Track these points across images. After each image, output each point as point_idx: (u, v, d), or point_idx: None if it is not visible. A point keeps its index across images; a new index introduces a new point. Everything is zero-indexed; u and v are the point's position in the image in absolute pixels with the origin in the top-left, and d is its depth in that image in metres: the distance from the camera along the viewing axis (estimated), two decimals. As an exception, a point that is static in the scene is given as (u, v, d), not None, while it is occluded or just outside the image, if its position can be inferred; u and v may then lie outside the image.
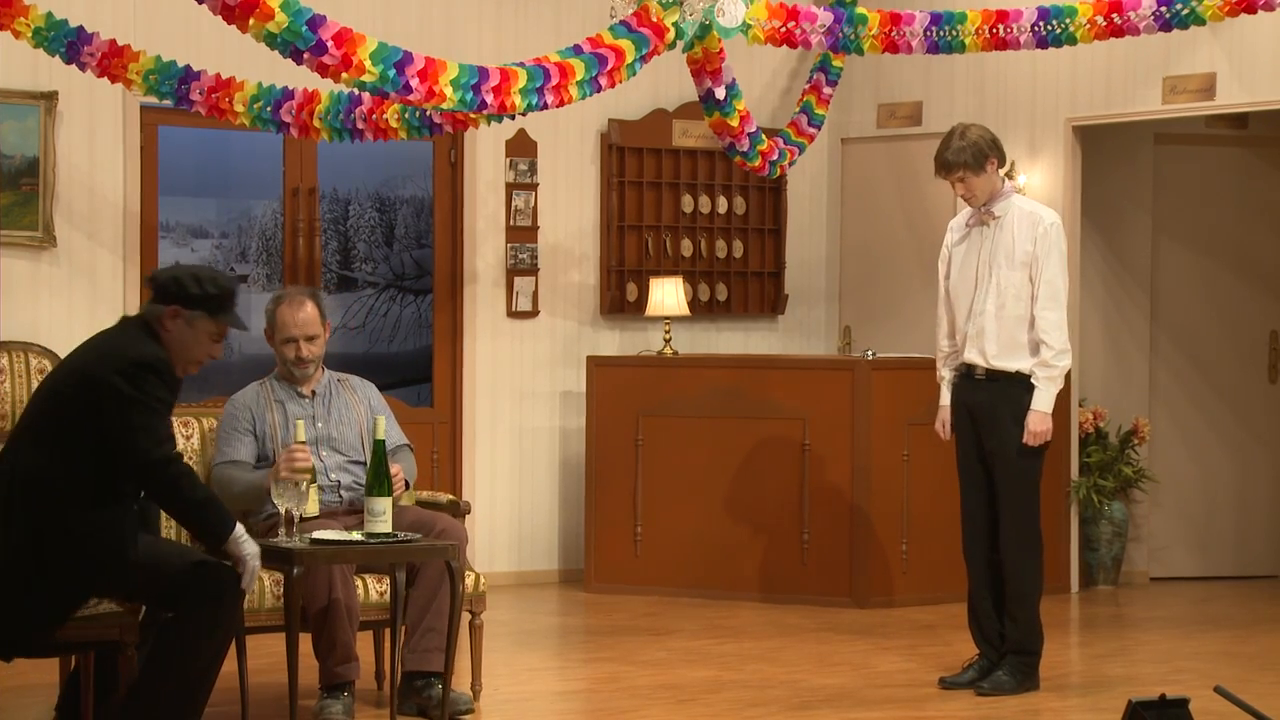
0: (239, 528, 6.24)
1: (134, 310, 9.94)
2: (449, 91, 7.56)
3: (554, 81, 7.90)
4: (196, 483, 6.23)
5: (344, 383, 7.57)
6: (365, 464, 7.32)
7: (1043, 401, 7.86)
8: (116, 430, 6.03)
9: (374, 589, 7.19)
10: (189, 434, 7.43)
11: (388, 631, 7.33)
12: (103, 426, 6.04)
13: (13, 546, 6.02)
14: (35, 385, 9.51)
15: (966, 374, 8.04)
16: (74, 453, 6.05)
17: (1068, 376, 8.50)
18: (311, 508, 6.93)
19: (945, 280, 8.13)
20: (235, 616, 6.34)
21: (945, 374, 8.16)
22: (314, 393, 7.45)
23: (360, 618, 7.13)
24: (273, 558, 6.73)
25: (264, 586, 6.98)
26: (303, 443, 7.06)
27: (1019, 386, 7.88)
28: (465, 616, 7.25)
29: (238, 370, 10.52)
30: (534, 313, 11.17)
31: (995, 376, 7.93)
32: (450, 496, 7.83)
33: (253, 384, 7.52)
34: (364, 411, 7.48)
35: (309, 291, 7.59)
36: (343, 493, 7.34)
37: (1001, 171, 8.03)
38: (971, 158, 7.89)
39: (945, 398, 8.15)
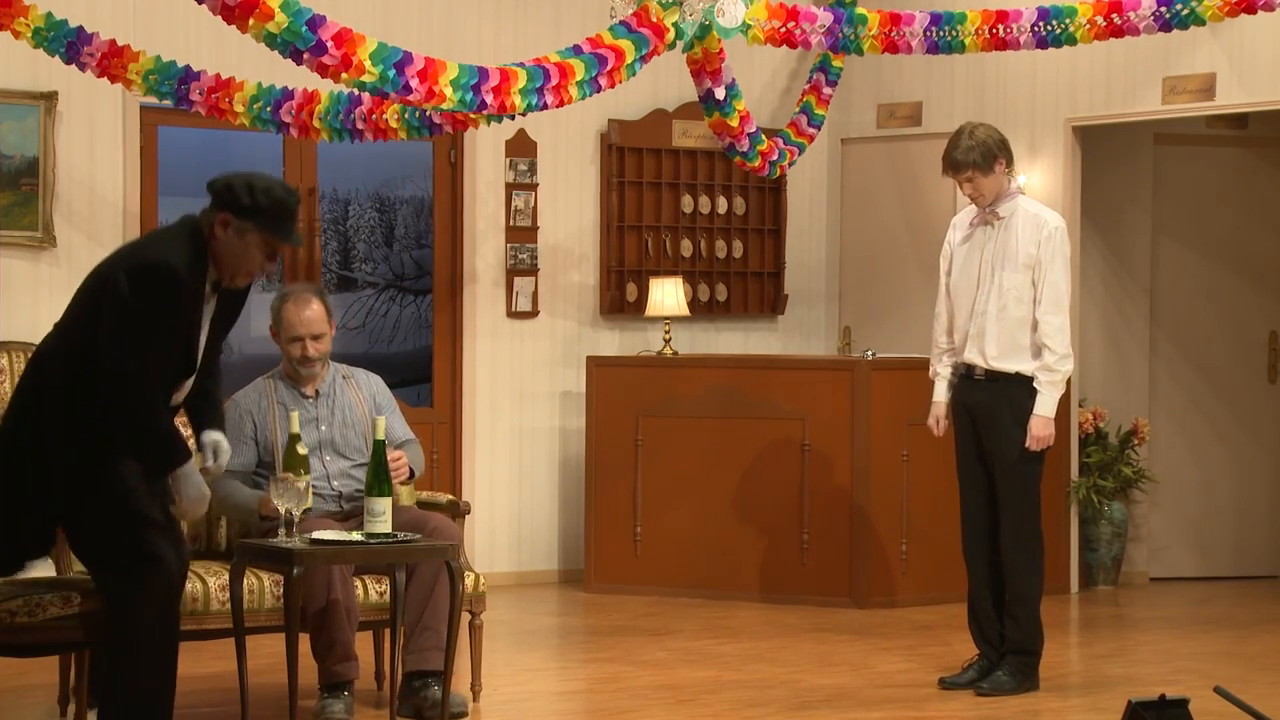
0: (190, 464, 5.92)
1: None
2: (449, 92, 7.56)
3: (554, 82, 7.90)
4: (153, 413, 5.85)
5: (349, 379, 7.51)
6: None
7: (1045, 406, 7.86)
8: (102, 329, 5.78)
9: (373, 589, 7.18)
10: (187, 434, 7.40)
11: (387, 631, 7.32)
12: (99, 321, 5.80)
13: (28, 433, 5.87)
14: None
15: (966, 374, 8.04)
16: (86, 343, 5.82)
17: (1069, 380, 8.49)
18: (308, 501, 6.86)
19: (946, 277, 8.13)
20: (150, 618, 5.92)
21: (939, 370, 8.16)
22: (318, 393, 7.41)
23: (360, 618, 7.13)
24: (273, 558, 6.74)
25: (263, 586, 6.98)
26: (296, 435, 6.96)
27: (1020, 387, 7.88)
28: (465, 617, 7.24)
29: (238, 370, 10.50)
30: (534, 313, 11.17)
31: (995, 377, 7.92)
32: (450, 497, 7.82)
33: (257, 381, 7.47)
34: (368, 410, 7.44)
35: (315, 290, 7.53)
36: (344, 504, 7.30)
37: (1008, 171, 8.03)
38: (980, 157, 7.88)
39: (939, 394, 8.15)
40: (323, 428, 7.35)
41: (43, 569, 6.67)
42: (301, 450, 6.95)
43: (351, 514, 7.28)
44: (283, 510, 6.71)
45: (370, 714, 7.27)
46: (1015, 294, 7.88)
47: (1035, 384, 7.86)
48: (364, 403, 7.45)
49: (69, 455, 5.88)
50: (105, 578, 5.98)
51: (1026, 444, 7.85)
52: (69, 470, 5.88)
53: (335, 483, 7.31)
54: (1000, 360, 7.90)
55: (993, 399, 7.92)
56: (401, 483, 7.25)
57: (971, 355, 7.97)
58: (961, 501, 8.09)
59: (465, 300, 11.01)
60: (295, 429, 6.99)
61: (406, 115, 8.61)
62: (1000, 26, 9.00)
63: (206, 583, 6.93)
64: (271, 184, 5.99)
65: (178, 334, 5.91)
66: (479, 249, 11.03)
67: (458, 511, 7.61)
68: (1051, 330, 7.85)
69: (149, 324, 5.79)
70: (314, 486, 7.08)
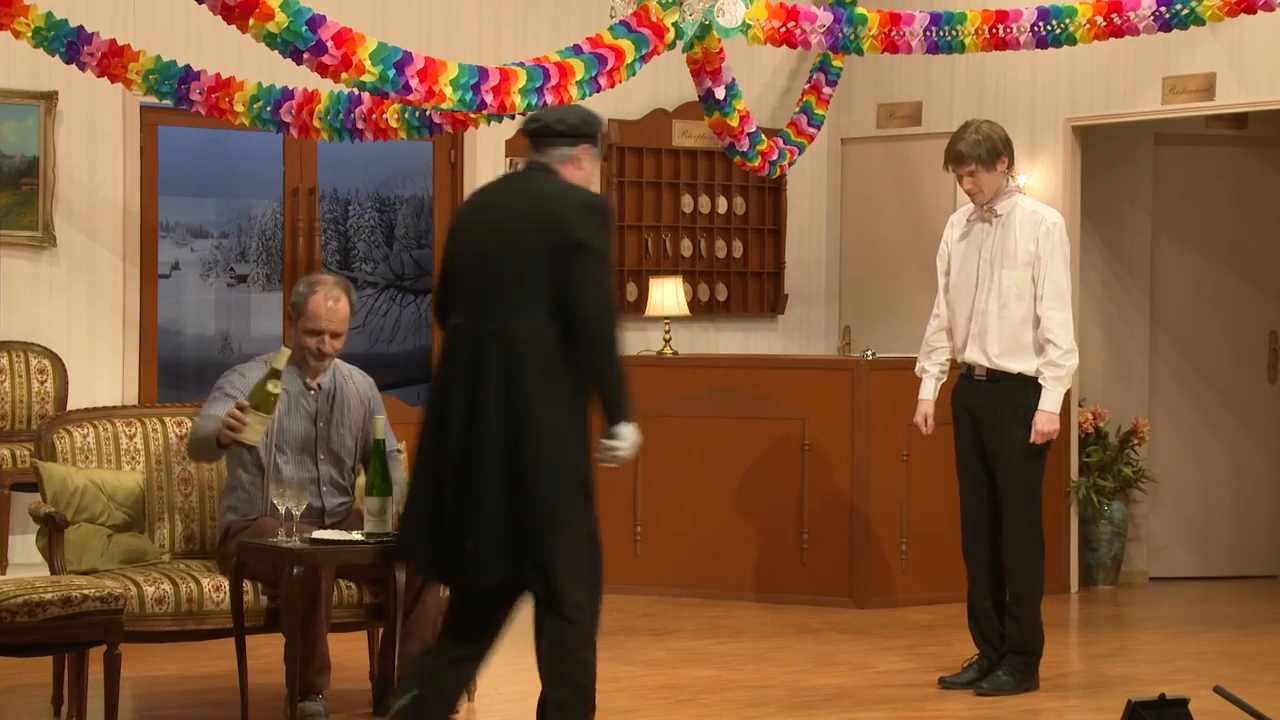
0: (634, 427, 6.01)
1: (135, 310, 9.97)
2: (449, 91, 7.56)
3: (554, 81, 7.91)
4: (621, 347, 5.99)
5: (348, 378, 7.39)
6: (350, 489, 7.26)
7: (1051, 401, 7.86)
8: (574, 280, 5.88)
9: (366, 590, 7.16)
10: (182, 434, 7.41)
11: (381, 632, 7.30)
12: (563, 276, 5.89)
13: (541, 415, 5.94)
14: (26, 388, 9.52)
15: (966, 374, 8.04)
16: (545, 308, 5.93)
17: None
18: (253, 436, 6.78)
19: (945, 276, 8.12)
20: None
21: (926, 367, 8.15)
22: (319, 386, 7.28)
23: (355, 618, 7.12)
24: (272, 558, 6.73)
25: (255, 587, 6.95)
26: (278, 370, 6.82)
27: (1021, 387, 7.88)
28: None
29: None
30: (534, 313, 11.15)
31: (997, 377, 7.92)
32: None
33: (261, 358, 7.21)
34: (361, 415, 7.33)
35: (345, 286, 7.29)
36: (325, 519, 7.15)
37: (1009, 170, 8.03)
38: (986, 152, 7.88)
39: (925, 391, 8.14)
40: (320, 424, 7.24)
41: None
42: (273, 389, 6.76)
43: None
44: (283, 510, 6.70)
45: (365, 714, 7.27)
46: (1015, 291, 7.88)
47: (1040, 380, 7.85)
48: (361, 404, 7.37)
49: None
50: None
51: (1031, 439, 7.85)
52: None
53: (323, 488, 7.19)
54: (1003, 359, 7.89)
55: (994, 399, 7.91)
56: None
57: (973, 354, 7.97)
58: (962, 502, 8.08)
59: (465, 300, 10.99)
60: (279, 365, 6.81)
61: (406, 115, 8.61)
62: (1000, 26, 9.01)
63: (200, 583, 6.92)
64: (578, 109, 6.32)
65: None
66: (479, 249, 11.01)
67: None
68: (1054, 325, 7.84)
69: (608, 261, 6.06)
70: None
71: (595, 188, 6.40)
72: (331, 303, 7.18)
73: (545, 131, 6.18)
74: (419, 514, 6.02)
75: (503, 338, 5.92)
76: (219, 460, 7.18)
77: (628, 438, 6.04)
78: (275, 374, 6.80)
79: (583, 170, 6.17)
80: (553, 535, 6.07)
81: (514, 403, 5.91)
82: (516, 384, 5.91)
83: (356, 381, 7.43)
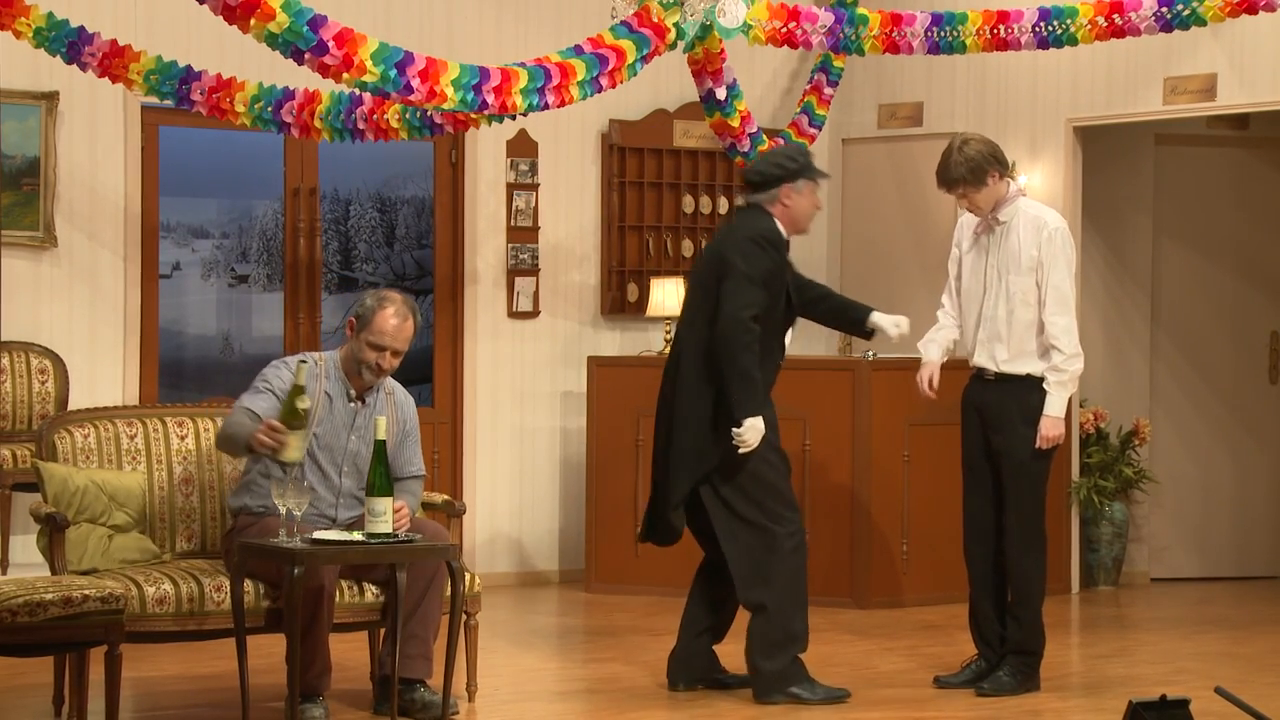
0: (760, 420, 7.49)
1: (136, 310, 9.98)
2: (450, 92, 7.56)
3: (555, 82, 7.91)
4: (753, 359, 7.48)
5: (390, 395, 7.33)
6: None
7: (1056, 406, 7.85)
8: (720, 297, 7.52)
9: (369, 590, 7.16)
10: (184, 434, 7.41)
11: (382, 633, 7.31)
12: (718, 294, 7.53)
13: (687, 406, 7.60)
14: (27, 388, 9.53)
15: (977, 375, 8.02)
16: (708, 321, 7.60)
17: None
18: (293, 454, 6.79)
19: (956, 281, 8.10)
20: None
21: (931, 337, 8.07)
22: (363, 400, 7.21)
23: (355, 619, 7.12)
24: (273, 558, 6.73)
25: (256, 588, 6.95)
26: (301, 387, 6.82)
27: (1029, 388, 7.87)
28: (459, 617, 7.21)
29: (239, 371, 10.52)
30: (535, 313, 11.18)
31: (1005, 379, 7.91)
32: (445, 497, 7.73)
33: (312, 357, 7.18)
34: (396, 431, 7.25)
35: (413, 307, 7.28)
36: (335, 527, 7.14)
37: (1005, 180, 7.96)
38: (969, 173, 7.84)
39: (930, 354, 8.07)
40: (353, 438, 7.17)
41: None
42: (301, 405, 6.77)
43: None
44: (283, 510, 6.69)
45: (365, 715, 7.27)
46: (1021, 297, 7.86)
47: (1045, 384, 7.85)
48: (396, 424, 7.30)
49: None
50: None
51: (1036, 443, 7.84)
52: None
53: (340, 500, 7.18)
54: (1010, 364, 7.89)
55: (1002, 399, 7.90)
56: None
57: (982, 359, 7.96)
58: (965, 502, 8.08)
59: (466, 300, 11.02)
60: (302, 381, 6.81)
61: (407, 115, 8.61)
62: (1001, 27, 9.01)
63: (202, 583, 6.92)
64: (790, 149, 8.21)
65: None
66: (480, 249, 11.04)
67: (453, 512, 7.56)
68: (1058, 331, 7.84)
69: (755, 281, 7.61)
70: (314, 504, 6.99)
71: (807, 215, 7.84)
72: (399, 320, 7.17)
73: (747, 183, 7.81)
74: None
75: (683, 344, 7.71)
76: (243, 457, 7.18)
77: (745, 431, 7.50)
78: (300, 390, 6.80)
79: (789, 206, 7.73)
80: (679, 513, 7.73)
81: (671, 398, 7.68)
82: (679, 382, 7.66)
83: (398, 400, 7.37)
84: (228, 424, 7.06)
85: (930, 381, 8.05)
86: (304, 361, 6.95)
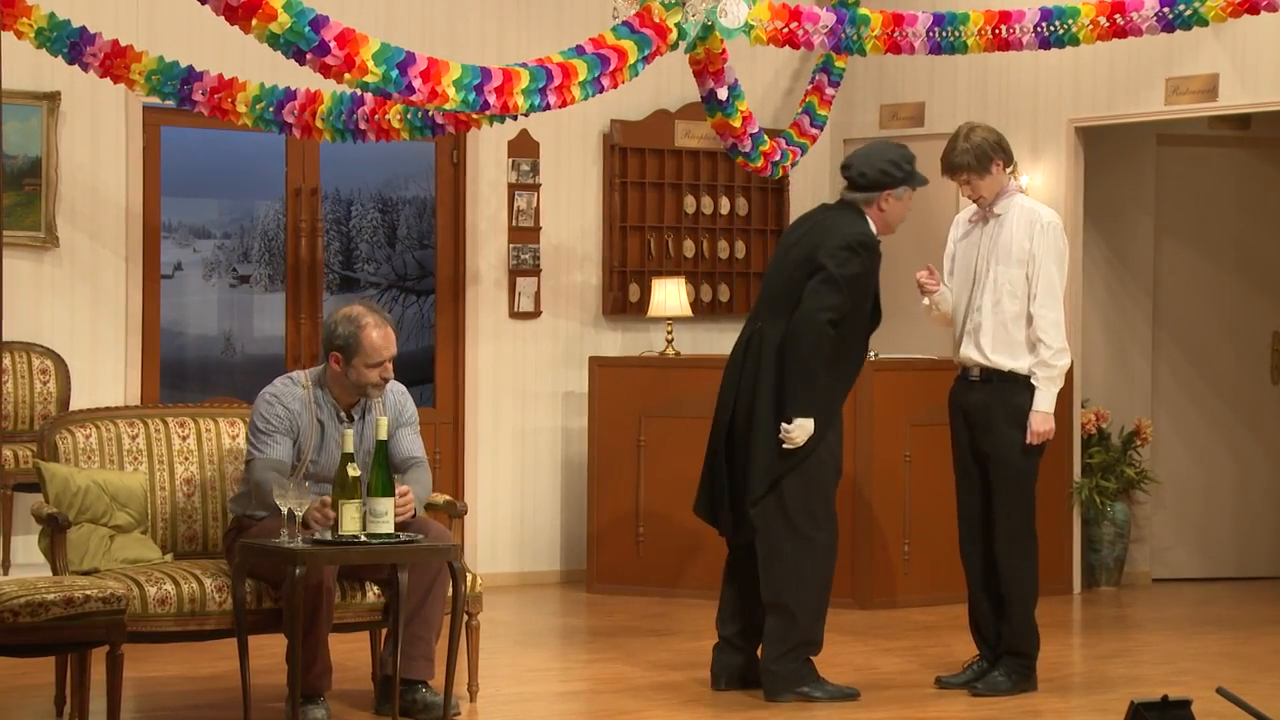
0: (810, 421, 7.51)
1: (137, 311, 9.98)
2: (451, 92, 7.56)
3: (556, 82, 7.90)
4: (821, 362, 7.52)
5: (380, 399, 7.26)
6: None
7: (1044, 401, 7.85)
8: (804, 295, 7.56)
9: (371, 590, 7.16)
10: (185, 435, 7.41)
11: (384, 633, 7.30)
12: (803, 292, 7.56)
13: (767, 402, 7.59)
14: (28, 388, 9.53)
15: (962, 375, 8.03)
16: (791, 317, 7.59)
17: (1069, 376, 8.46)
18: (351, 525, 6.74)
19: (950, 276, 8.13)
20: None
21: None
22: (352, 418, 7.16)
23: (355, 619, 7.11)
24: (274, 558, 6.73)
25: (258, 588, 6.95)
26: (350, 454, 6.76)
27: (1014, 387, 7.87)
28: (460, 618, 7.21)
29: (239, 371, 10.54)
30: (536, 313, 11.18)
31: (990, 376, 7.91)
32: (446, 497, 7.70)
33: (294, 386, 7.15)
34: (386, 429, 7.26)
35: (380, 309, 7.24)
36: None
37: (1008, 171, 8.01)
38: (975, 160, 7.88)
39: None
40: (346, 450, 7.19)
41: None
42: (353, 472, 6.73)
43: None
44: (284, 510, 6.69)
45: (367, 715, 7.27)
46: (1009, 289, 7.87)
47: (1033, 379, 7.86)
48: (393, 422, 7.26)
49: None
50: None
51: (1027, 439, 7.85)
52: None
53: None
54: (996, 355, 7.89)
55: (987, 400, 7.91)
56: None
57: (968, 351, 7.96)
58: (958, 503, 8.08)
59: (468, 300, 11.02)
60: (349, 448, 6.78)
61: (409, 116, 8.61)
62: (1003, 27, 9.00)
63: (203, 583, 6.92)
64: (898, 152, 7.85)
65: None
66: (481, 249, 11.04)
67: (455, 512, 7.54)
68: (1045, 324, 7.84)
69: (841, 286, 7.63)
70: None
71: (899, 220, 7.84)
72: (381, 330, 7.10)
73: (848, 180, 7.78)
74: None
75: (760, 337, 7.72)
76: None
77: (795, 429, 7.55)
78: (350, 457, 6.75)
79: (885, 211, 7.76)
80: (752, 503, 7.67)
81: (752, 391, 7.67)
82: (760, 376, 7.67)
83: (388, 399, 7.29)
84: (259, 487, 6.96)
85: (929, 271, 8.05)
86: (347, 430, 6.87)
